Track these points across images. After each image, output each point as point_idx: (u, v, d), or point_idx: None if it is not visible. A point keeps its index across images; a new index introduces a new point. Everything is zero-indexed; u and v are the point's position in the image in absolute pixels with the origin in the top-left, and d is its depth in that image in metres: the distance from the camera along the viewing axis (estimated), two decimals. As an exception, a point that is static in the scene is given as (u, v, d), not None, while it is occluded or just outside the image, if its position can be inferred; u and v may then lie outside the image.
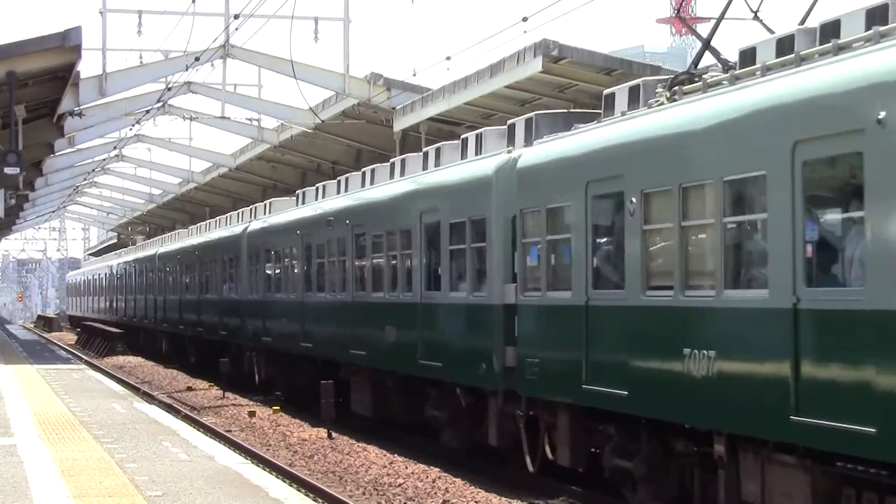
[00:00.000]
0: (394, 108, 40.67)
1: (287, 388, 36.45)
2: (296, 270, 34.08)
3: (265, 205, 41.38)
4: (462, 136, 24.62)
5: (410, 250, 25.19)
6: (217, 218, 51.71)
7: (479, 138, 23.47)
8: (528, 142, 21.09)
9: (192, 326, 49.82)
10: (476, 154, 23.29)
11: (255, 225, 39.82)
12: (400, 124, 39.86)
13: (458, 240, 22.81)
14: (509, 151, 21.31)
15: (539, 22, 79.99)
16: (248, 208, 44.72)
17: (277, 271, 36.45)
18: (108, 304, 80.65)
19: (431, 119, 37.90)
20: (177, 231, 63.40)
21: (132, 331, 68.08)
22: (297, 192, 37.33)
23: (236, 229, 42.47)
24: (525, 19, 29.84)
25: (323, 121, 45.43)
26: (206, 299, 47.06)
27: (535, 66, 30.70)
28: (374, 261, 27.58)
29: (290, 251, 34.70)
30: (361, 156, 49.17)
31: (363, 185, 30.39)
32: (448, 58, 36.09)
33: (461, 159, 23.83)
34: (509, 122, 22.66)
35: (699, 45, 17.63)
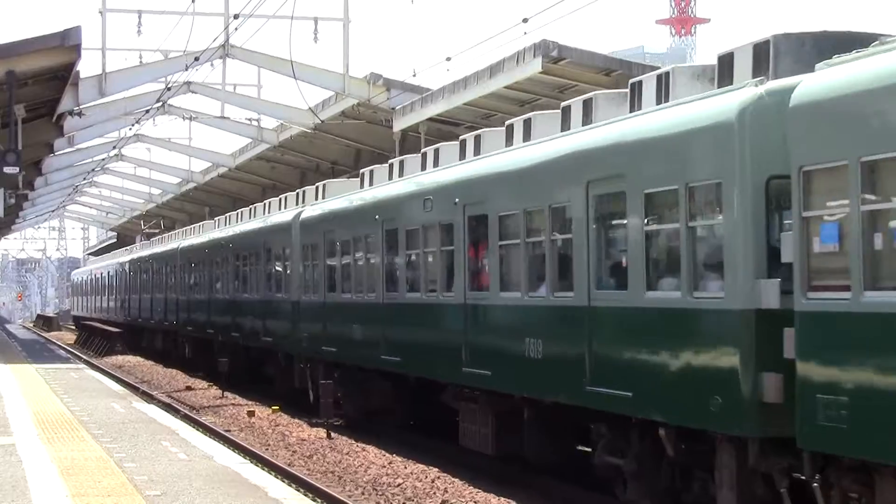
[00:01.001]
0: (393, 109, 40.69)
1: (355, 411, 29.43)
2: (373, 264, 27.13)
3: (318, 187, 34.49)
4: (632, 81, 18.12)
5: (569, 234, 18.27)
6: (251, 206, 44.04)
7: (665, 78, 17.07)
8: (777, 73, 14.99)
9: (224, 331, 42.82)
10: (662, 101, 16.95)
11: (312, 211, 32.58)
12: (399, 124, 39.88)
13: (662, 216, 16.15)
14: (761, 82, 14.65)
15: (539, 23, 79.95)
16: (291, 194, 37.85)
17: (346, 266, 29.09)
18: (119, 304, 73.54)
19: (431, 119, 37.93)
20: (201, 223, 55.86)
21: (148, 334, 62.60)
22: (360, 171, 31.11)
23: (284, 217, 35.16)
24: (525, 20, 29.85)
25: (322, 121, 45.45)
26: (242, 300, 40.09)
27: (534, 66, 30.74)
28: (508, 250, 20.42)
29: (365, 241, 27.65)
30: (361, 156, 49.20)
31: (476, 152, 23.00)
32: (448, 58, 36.07)
33: (658, 104, 17.03)
34: (738, 48, 15.90)
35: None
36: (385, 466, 23.23)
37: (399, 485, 21.18)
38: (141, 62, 46.70)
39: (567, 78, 31.35)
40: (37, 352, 60.37)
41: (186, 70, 41.69)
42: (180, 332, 52.59)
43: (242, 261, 40.30)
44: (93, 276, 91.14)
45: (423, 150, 26.64)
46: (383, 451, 25.12)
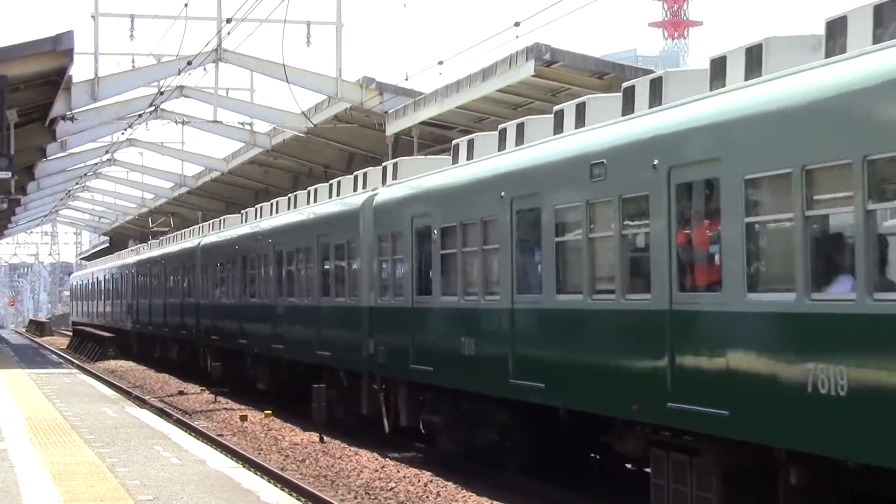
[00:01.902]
0: (386, 112, 40.70)
1: (455, 444, 23.30)
2: (496, 257, 20.21)
3: (386, 167, 27.92)
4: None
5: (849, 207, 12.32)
6: (289, 195, 37.49)
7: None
8: None
9: (261, 342, 36.28)
10: None
11: (392, 192, 25.62)
12: (392, 128, 39.88)
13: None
14: None
15: (532, 27, 79.78)
16: (345, 178, 31.33)
17: (449, 260, 22.18)
18: (125, 309, 66.35)
19: (424, 123, 37.93)
20: (222, 218, 48.33)
21: (161, 344, 56.30)
22: (454, 143, 24.12)
23: (350, 202, 28.47)
24: (517, 24, 29.86)
25: (315, 125, 45.46)
26: (287, 305, 33.54)
27: (527, 69, 30.75)
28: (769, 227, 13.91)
29: (482, 226, 20.64)
30: (354, 160, 49.19)
31: (657, 100, 16.69)
32: (440, 62, 36.15)
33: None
34: None
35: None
36: (378, 470, 23.20)
37: (392, 489, 21.15)
38: (133, 66, 46.75)
39: (560, 81, 31.36)
40: (29, 357, 60.29)
41: (179, 74, 41.71)
42: (202, 342, 45.43)
43: (287, 258, 33.43)
44: (94, 280, 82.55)
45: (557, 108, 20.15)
46: (376, 455, 25.09)
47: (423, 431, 24.33)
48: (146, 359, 56.63)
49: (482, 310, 20.77)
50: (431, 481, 21.70)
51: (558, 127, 19.60)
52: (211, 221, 50.15)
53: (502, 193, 19.85)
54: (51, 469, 19.06)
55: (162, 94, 45.29)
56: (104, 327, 73.27)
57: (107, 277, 75.16)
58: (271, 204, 38.67)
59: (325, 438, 27.90)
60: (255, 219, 40.05)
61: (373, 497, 20.63)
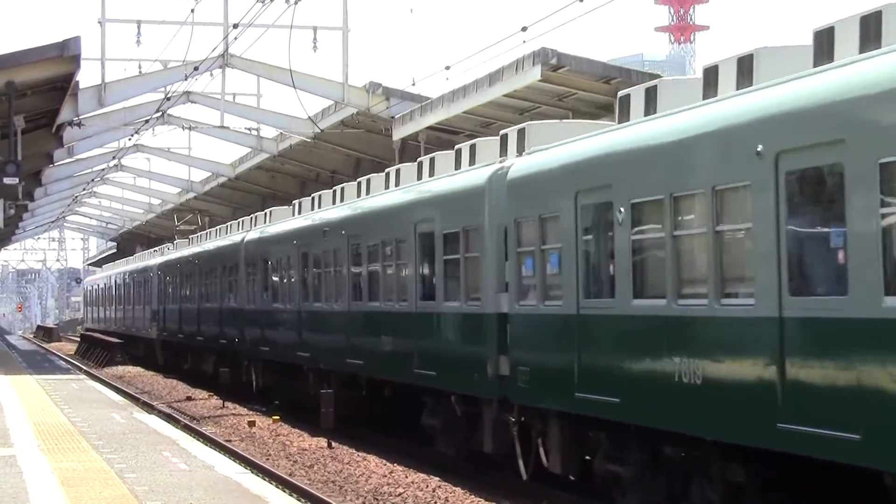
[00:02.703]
0: (393, 117, 40.73)
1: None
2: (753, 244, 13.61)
3: (506, 136, 21.83)
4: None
5: None
6: (359, 180, 30.55)
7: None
8: None
9: (330, 356, 30.00)
10: None
11: (535, 162, 19.31)
12: (399, 133, 39.91)
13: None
14: None
15: (538, 31, 79.82)
16: (462, 145, 24.10)
17: (649, 249, 15.88)
18: (147, 316, 60.24)
19: (430, 128, 37.96)
20: (269, 210, 40.98)
21: (193, 355, 50.35)
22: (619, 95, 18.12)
23: (468, 179, 21.98)
24: (524, 29, 29.86)
25: (322, 130, 45.48)
26: (372, 312, 27.08)
27: (533, 74, 30.77)
28: None
29: (716, 201, 14.15)
30: (360, 165, 49.22)
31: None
32: (447, 67, 36.10)
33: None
34: None
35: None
36: (386, 476, 23.19)
37: (400, 494, 21.13)
38: (140, 72, 46.75)
39: (566, 86, 31.38)
40: (37, 363, 60.35)
41: (186, 80, 41.73)
42: (247, 353, 39.24)
43: (368, 253, 27.20)
44: (112, 284, 76.13)
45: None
46: (384, 461, 25.07)
47: (597, 483, 17.87)
48: (175, 371, 53.41)
49: (707, 318, 14.42)
50: (440, 486, 21.69)
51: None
52: (253, 215, 42.78)
53: (759, 147, 13.32)
54: (59, 475, 19.06)
55: (169, 99, 45.32)
56: (123, 335, 68.18)
57: (126, 281, 68.92)
58: (334, 191, 32.36)
59: (334, 444, 27.89)
60: (314, 208, 33.86)
61: (381, 502, 20.62)
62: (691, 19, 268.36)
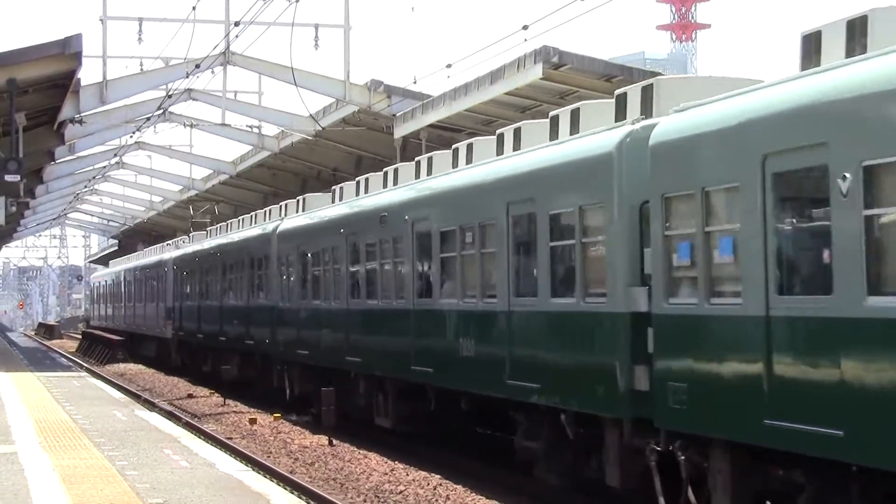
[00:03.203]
0: (394, 115, 40.73)
1: None
2: None
3: (623, 96, 18.33)
4: None
5: None
6: (417, 159, 26.83)
7: None
8: None
9: (390, 362, 25.73)
10: None
11: (696, 120, 15.23)
12: (400, 131, 39.91)
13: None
14: None
15: (540, 30, 79.81)
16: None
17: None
18: (162, 313, 55.85)
19: (432, 126, 37.96)
20: (302, 197, 36.30)
21: (216, 356, 45.16)
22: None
23: (590, 146, 17.86)
24: (526, 27, 29.88)
25: (323, 128, 45.49)
26: (446, 310, 22.82)
27: (535, 72, 30.76)
28: None
29: None
30: (362, 163, 49.23)
31: None
32: (449, 65, 36.14)
33: None
34: None
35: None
36: (387, 473, 23.20)
37: (401, 492, 21.15)
38: (142, 70, 46.77)
39: (568, 84, 31.36)
40: (38, 360, 60.36)
41: (187, 77, 41.77)
42: (280, 356, 34.68)
43: (442, 241, 22.85)
44: (122, 280, 71.35)
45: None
46: (385, 459, 25.08)
47: None
48: (191, 374, 49.94)
49: None
50: (441, 485, 21.70)
51: None
52: (282, 203, 38.65)
53: None
54: (61, 472, 19.07)
55: (170, 97, 45.33)
56: (133, 334, 65.61)
57: (138, 276, 64.36)
58: (385, 172, 28.45)
59: (335, 441, 27.90)
60: (360, 193, 29.74)
61: (382, 500, 20.63)
62: (693, 17, 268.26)
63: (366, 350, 27.10)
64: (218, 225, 50.47)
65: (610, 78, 30.25)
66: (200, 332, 47.26)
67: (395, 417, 25.76)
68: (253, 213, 43.08)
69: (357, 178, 30.69)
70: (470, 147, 23.50)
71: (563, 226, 18.27)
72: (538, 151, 19.61)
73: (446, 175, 23.53)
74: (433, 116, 37.31)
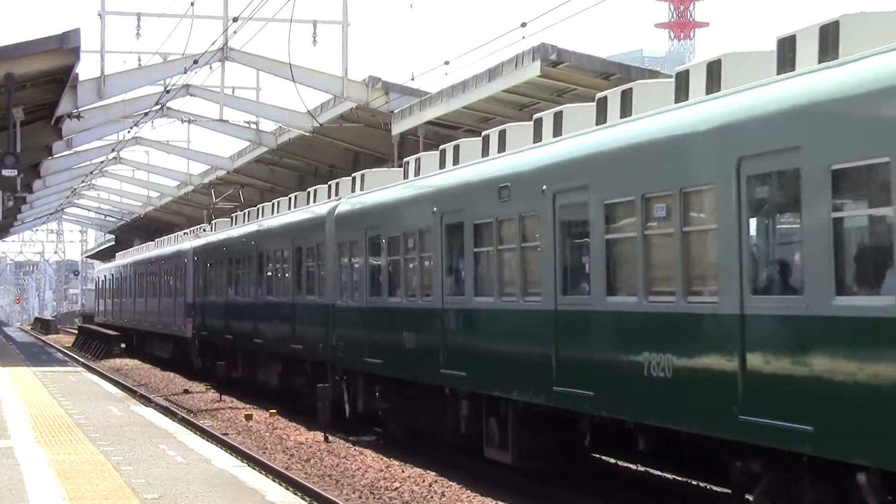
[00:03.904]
0: (392, 112, 40.71)
1: None
2: None
3: (784, 43, 14.23)
4: None
5: None
6: (546, 113, 20.43)
7: None
8: None
9: (516, 379, 19.60)
10: None
11: None
12: (398, 128, 39.88)
13: None
14: None
15: (538, 27, 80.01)
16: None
17: None
18: (181, 310, 49.54)
19: (430, 123, 37.93)
20: (361, 173, 30.30)
21: (248, 360, 39.44)
22: None
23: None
24: (524, 24, 29.85)
25: (321, 124, 45.47)
26: (600, 311, 17.02)
27: (533, 70, 30.75)
28: None
29: None
30: (359, 159, 49.21)
31: None
32: (447, 62, 36.10)
33: None
34: None
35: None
36: (382, 470, 23.20)
37: (396, 488, 21.15)
38: (140, 65, 46.72)
39: (566, 81, 31.36)
40: (34, 355, 60.33)
41: (185, 73, 41.74)
42: (340, 364, 28.72)
43: (609, 219, 16.72)
44: (131, 273, 65.25)
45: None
46: (381, 455, 25.08)
47: None
48: (214, 378, 43.11)
49: None
50: (436, 481, 21.70)
51: None
52: (332, 182, 32.78)
53: None
54: (56, 467, 19.06)
55: (168, 92, 45.31)
56: (144, 332, 60.56)
57: (151, 269, 58.28)
58: (485, 137, 22.55)
59: (330, 438, 27.90)
60: (445, 165, 24.04)
61: (377, 497, 20.63)
62: (691, 16, 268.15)
63: (471, 363, 21.26)
64: (245, 210, 44.08)
65: (608, 76, 30.24)
66: (229, 333, 41.23)
67: (518, 451, 20.19)
68: (291, 196, 37.14)
69: (442, 146, 24.75)
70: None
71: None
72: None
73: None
74: (431, 113, 37.29)
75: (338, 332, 28.55)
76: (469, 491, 20.68)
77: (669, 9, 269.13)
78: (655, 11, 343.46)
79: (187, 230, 57.87)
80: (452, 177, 22.66)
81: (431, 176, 23.88)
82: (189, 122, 55.04)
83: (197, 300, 46.97)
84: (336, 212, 28.95)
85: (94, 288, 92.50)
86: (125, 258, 72.96)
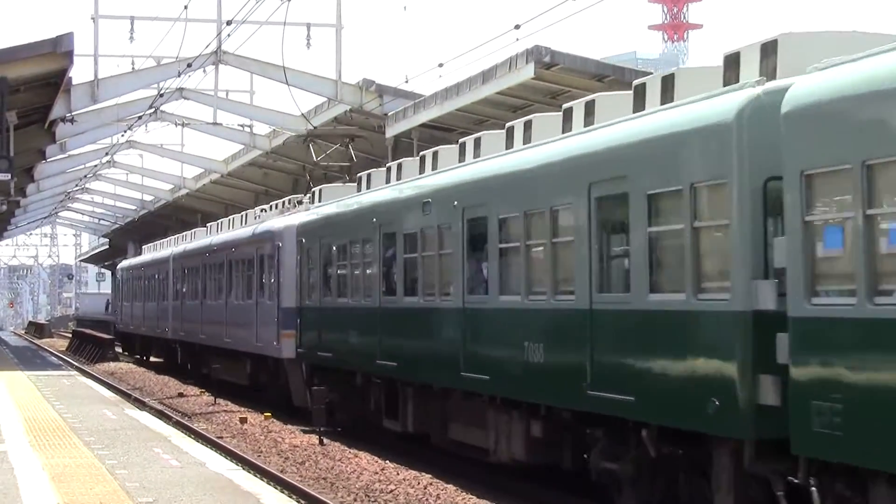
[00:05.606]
0: (386, 115, 40.72)
1: None
2: None
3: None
4: None
5: None
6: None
7: None
8: None
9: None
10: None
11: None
12: (392, 130, 39.90)
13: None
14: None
15: (531, 29, 79.96)
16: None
17: None
18: (281, 323, 33.17)
19: (424, 125, 37.95)
20: (460, 140, 23.13)
21: (325, 376, 28.96)
22: None
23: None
24: (517, 27, 29.87)
25: (315, 127, 45.46)
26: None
27: (527, 72, 30.78)
28: None
29: None
30: (354, 162, 49.17)
31: None
32: (440, 64, 36.13)
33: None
34: None
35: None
36: (377, 473, 23.18)
37: (391, 491, 21.13)
38: (133, 69, 46.74)
39: (560, 84, 31.38)
40: (28, 359, 60.28)
41: (179, 76, 41.74)
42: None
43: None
44: (181, 267, 48.99)
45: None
46: (376, 458, 25.06)
47: None
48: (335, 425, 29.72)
49: None
50: (431, 484, 21.68)
51: None
52: (433, 148, 24.46)
53: None
54: (50, 471, 19.04)
55: (161, 96, 45.30)
56: (201, 348, 45.29)
57: (210, 261, 43.53)
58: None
59: (325, 441, 27.88)
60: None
61: (373, 499, 20.61)
62: (685, 17, 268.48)
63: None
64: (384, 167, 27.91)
65: (602, 78, 30.28)
66: (301, 347, 30.65)
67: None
68: (367, 172, 28.13)
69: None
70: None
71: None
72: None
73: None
74: (425, 116, 37.31)
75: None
76: (465, 494, 20.67)
77: (663, 11, 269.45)
78: (649, 13, 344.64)
79: (265, 206, 42.05)
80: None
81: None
82: (183, 125, 55.03)
83: (305, 303, 30.77)
84: (434, 188, 23.06)
85: (117, 285, 76.44)
86: (164, 250, 55.75)
